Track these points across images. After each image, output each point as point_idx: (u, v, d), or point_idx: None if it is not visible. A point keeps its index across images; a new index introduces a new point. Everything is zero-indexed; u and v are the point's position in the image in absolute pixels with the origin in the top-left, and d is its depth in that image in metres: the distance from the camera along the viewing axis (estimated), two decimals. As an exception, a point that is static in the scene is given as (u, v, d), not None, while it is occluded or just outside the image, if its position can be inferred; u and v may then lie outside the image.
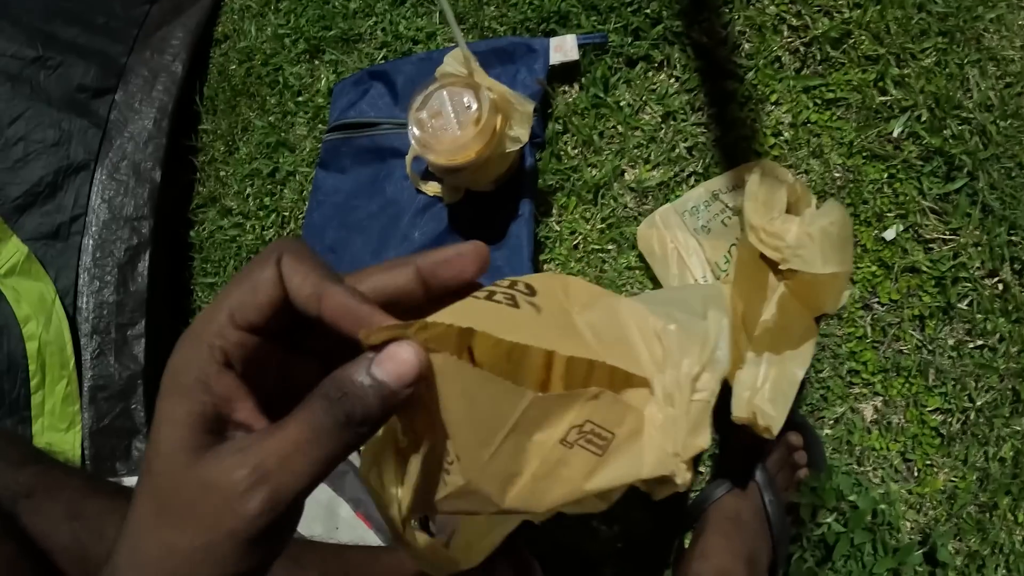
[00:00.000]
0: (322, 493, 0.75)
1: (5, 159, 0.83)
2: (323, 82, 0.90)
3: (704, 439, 0.39)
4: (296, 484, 0.22)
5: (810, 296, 0.60)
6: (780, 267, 0.52)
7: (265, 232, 0.89)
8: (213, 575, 0.23)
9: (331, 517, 0.75)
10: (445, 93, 0.68)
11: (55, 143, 0.86)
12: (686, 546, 0.69)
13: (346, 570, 0.59)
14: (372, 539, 0.75)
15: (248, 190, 0.92)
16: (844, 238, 0.55)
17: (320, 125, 0.89)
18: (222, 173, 0.94)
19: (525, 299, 0.32)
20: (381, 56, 0.88)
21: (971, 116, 0.74)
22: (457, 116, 0.67)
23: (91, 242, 0.84)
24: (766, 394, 0.54)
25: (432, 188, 0.77)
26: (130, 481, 0.81)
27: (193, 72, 0.95)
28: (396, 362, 0.22)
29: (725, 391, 0.58)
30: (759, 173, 0.64)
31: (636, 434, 0.33)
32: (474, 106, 0.66)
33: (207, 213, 0.94)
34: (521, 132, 0.69)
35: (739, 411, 0.55)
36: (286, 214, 0.89)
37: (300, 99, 0.91)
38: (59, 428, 0.78)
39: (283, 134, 0.90)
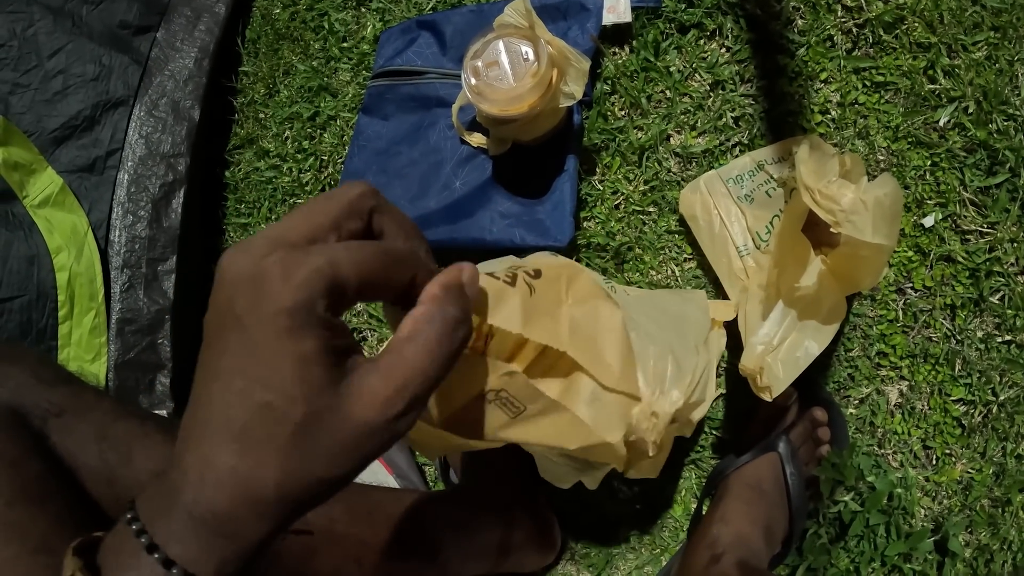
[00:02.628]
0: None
1: (44, 91, 0.82)
2: (369, 29, 0.88)
3: (658, 460, 0.47)
4: (429, 386, 0.25)
5: (849, 271, 0.59)
6: (831, 229, 0.52)
7: (302, 175, 0.87)
8: (349, 479, 0.26)
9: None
10: (502, 44, 0.67)
11: (94, 78, 0.84)
12: (704, 512, 0.69)
13: (369, 508, 0.59)
14: (392, 483, 0.76)
15: (287, 133, 0.90)
16: (895, 212, 0.54)
17: (364, 72, 0.87)
18: (261, 115, 0.93)
19: (526, 279, 0.41)
20: (430, 6, 0.86)
21: (1017, 113, 0.73)
22: (513, 67, 0.66)
23: (126, 177, 0.83)
24: (780, 354, 0.54)
25: (477, 139, 0.76)
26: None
27: (236, 13, 0.94)
28: (465, 270, 0.28)
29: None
30: (808, 144, 0.64)
31: (551, 413, 0.41)
32: (532, 58, 0.65)
33: (244, 154, 0.93)
34: (575, 88, 0.68)
35: (748, 362, 0.54)
36: (325, 158, 0.87)
37: (345, 45, 0.89)
38: (85, 359, 0.78)
39: (326, 79, 0.89)
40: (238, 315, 0.24)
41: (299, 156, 0.88)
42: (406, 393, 0.24)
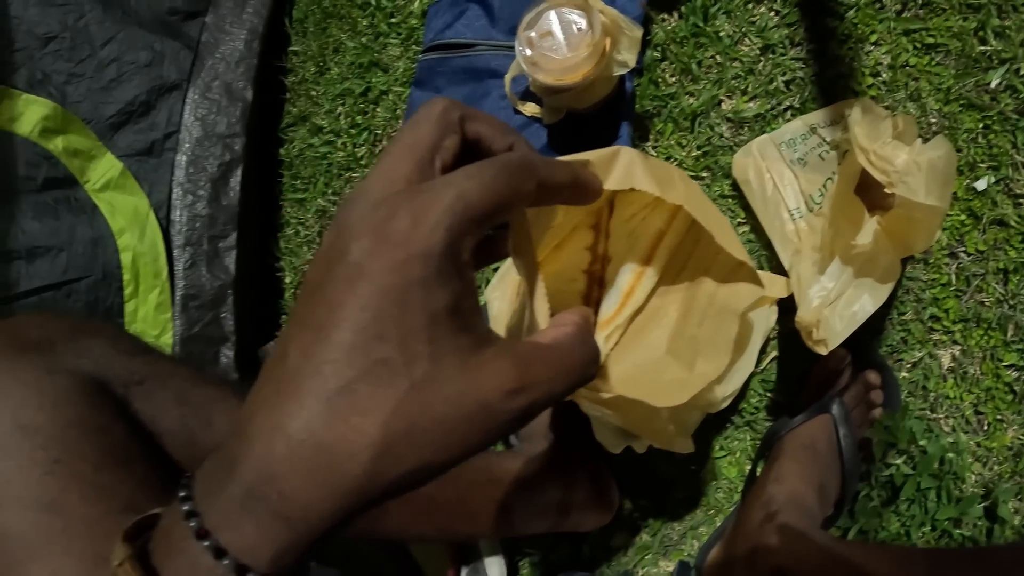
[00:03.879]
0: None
1: (99, 79, 0.84)
2: (416, 4, 0.89)
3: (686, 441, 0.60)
4: (547, 402, 0.22)
5: (902, 233, 0.60)
6: (885, 190, 0.52)
7: (357, 149, 0.89)
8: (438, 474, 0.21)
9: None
10: (554, 14, 0.67)
11: (148, 64, 0.86)
12: (758, 474, 0.70)
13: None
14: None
15: (340, 109, 0.92)
16: (948, 174, 0.54)
17: (414, 46, 0.88)
18: (313, 93, 0.94)
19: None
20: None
21: (1072, 74, 0.72)
22: (566, 37, 0.67)
23: (184, 158, 0.86)
24: (837, 308, 0.55)
25: (530, 109, 0.77)
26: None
27: (284, -7, 0.96)
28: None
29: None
30: (860, 107, 0.64)
31: None
32: (585, 27, 0.66)
33: (297, 132, 0.95)
34: (628, 57, 0.68)
35: (805, 314, 0.55)
36: (378, 132, 0.89)
37: (393, 20, 0.90)
38: (151, 335, 0.81)
39: (376, 55, 0.90)
40: (358, 263, 0.20)
41: (352, 131, 0.90)
42: (532, 394, 0.22)
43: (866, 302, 0.56)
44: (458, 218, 0.20)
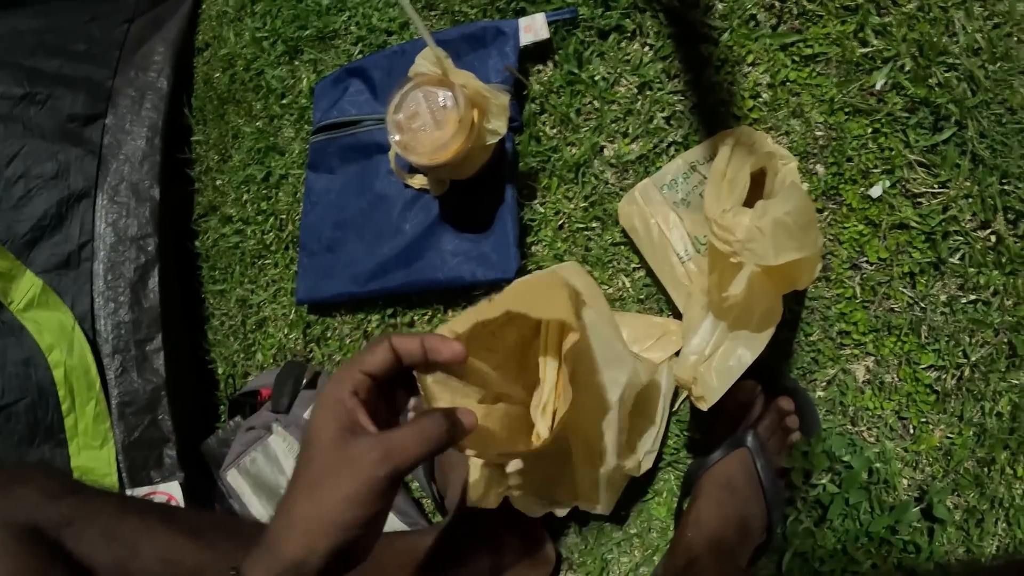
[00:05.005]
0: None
1: (8, 198, 0.85)
2: (304, 82, 0.90)
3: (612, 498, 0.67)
4: (408, 462, 0.38)
5: (782, 272, 0.60)
6: (731, 259, 0.52)
7: (265, 236, 0.90)
8: (355, 515, 0.37)
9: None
10: (420, 93, 0.68)
11: (54, 175, 0.87)
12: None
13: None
14: (394, 519, 0.80)
15: (245, 196, 0.92)
16: (804, 222, 0.52)
17: (306, 126, 0.88)
18: (218, 182, 0.95)
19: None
20: (358, 51, 0.87)
21: (958, 62, 0.71)
22: (434, 115, 0.67)
23: (101, 266, 0.87)
24: (713, 364, 0.55)
25: (418, 181, 0.77)
26: (166, 487, 0.87)
27: (179, 85, 0.96)
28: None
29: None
30: (730, 145, 0.63)
31: None
32: (450, 104, 0.66)
33: (209, 222, 0.95)
34: (498, 124, 0.68)
35: (682, 372, 0.56)
36: (283, 217, 0.89)
37: (284, 102, 0.91)
38: (93, 446, 0.83)
39: (272, 138, 0.91)
40: (309, 421, 0.40)
41: (259, 218, 0.91)
42: (394, 459, 0.38)
43: (743, 355, 0.56)
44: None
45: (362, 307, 0.82)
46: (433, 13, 0.84)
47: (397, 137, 0.67)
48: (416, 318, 0.80)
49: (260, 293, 0.89)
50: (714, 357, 0.55)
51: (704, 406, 0.56)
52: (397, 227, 0.77)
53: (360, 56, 0.86)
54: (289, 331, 0.87)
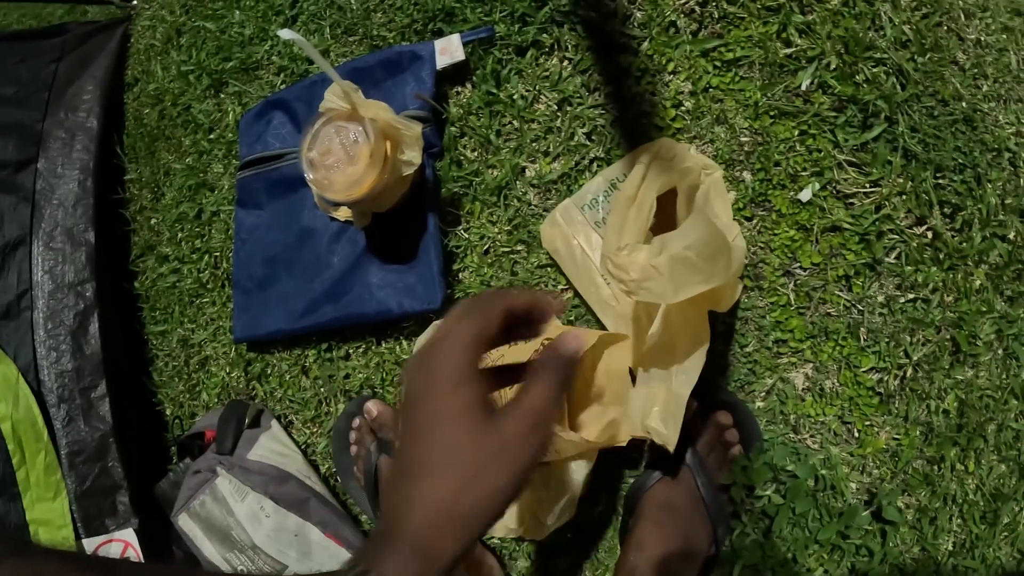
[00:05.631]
0: (290, 520, 0.80)
1: None
2: (231, 116, 0.89)
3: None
4: (554, 420, 0.35)
5: (700, 299, 0.58)
6: (629, 296, 0.51)
7: (202, 274, 0.89)
8: (511, 499, 0.34)
9: (303, 543, 0.80)
10: (332, 128, 0.67)
11: None
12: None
13: None
14: (344, 555, 0.80)
15: (179, 234, 0.91)
16: (709, 254, 0.50)
17: (235, 160, 0.87)
18: (153, 221, 0.94)
19: None
20: (280, 82, 0.86)
21: (885, 56, 0.69)
22: (347, 150, 0.66)
23: (41, 315, 0.87)
24: (656, 415, 0.54)
25: (343, 213, 0.76)
26: (121, 534, 0.87)
27: (109, 123, 0.95)
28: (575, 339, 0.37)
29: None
30: (645, 163, 0.62)
31: None
32: (361, 139, 0.65)
33: (146, 262, 0.94)
34: (413, 155, 0.67)
35: (635, 430, 0.55)
36: (217, 254, 0.88)
37: (212, 136, 0.89)
38: (46, 498, 0.83)
39: (202, 175, 0.90)
40: (417, 394, 0.34)
41: (194, 256, 0.90)
42: (540, 431, 0.34)
43: (681, 393, 0.55)
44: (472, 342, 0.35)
45: (298, 343, 0.82)
46: (352, 39, 0.83)
47: (311, 176, 0.66)
48: (351, 351, 0.79)
49: (200, 332, 0.88)
50: (654, 409, 0.54)
51: (671, 447, 0.55)
52: (326, 261, 0.76)
53: (283, 87, 0.85)
54: (231, 369, 0.86)
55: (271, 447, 0.80)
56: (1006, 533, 0.70)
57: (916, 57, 0.70)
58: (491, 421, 0.34)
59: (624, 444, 0.63)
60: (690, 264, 0.48)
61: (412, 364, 0.35)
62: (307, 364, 0.81)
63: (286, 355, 0.83)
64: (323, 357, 0.80)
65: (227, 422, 0.79)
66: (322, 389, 0.80)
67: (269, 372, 0.84)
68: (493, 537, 0.75)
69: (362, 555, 0.32)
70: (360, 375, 0.77)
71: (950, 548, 0.70)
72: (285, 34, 0.55)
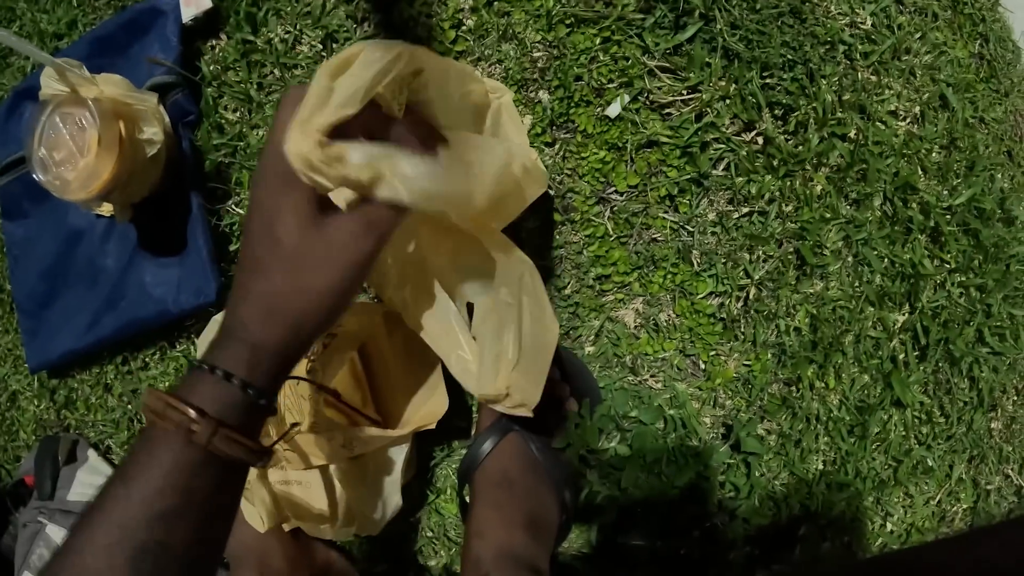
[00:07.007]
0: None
1: None
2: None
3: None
4: (391, 227, 0.35)
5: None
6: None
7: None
8: (345, 296, 0.35)
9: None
10: (57, 118, 0.58)
11: None
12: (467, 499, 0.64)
13: None
14: None
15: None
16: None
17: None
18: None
19: None
20: (31, 66, 0.75)
21: (695, -58, 0.61)
22: (75, 141, 0.56)
23: None
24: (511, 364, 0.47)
25: (106, 207, 0.67)
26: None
27: None
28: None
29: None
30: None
31: None
32: (88, 124, 0.56)
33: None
34: (153, 132, 0.58)
35: (488, 390, 0.47)
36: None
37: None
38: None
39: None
40: (253, 196, 0.35)
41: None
42: (375, 229, 0.34)
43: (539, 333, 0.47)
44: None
45: (94, 361, 0.73)
46: (98, 2, 0.72)
47: (42, 177, 0.57)
48: (148, 359, 0.70)
49: (1, 366, 0.79)
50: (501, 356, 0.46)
51: (528, 412, 0.48)
52: (100, 264, 0.67)
53: (33, 72, 0.74)
54: (39, 401, 0.78)
55: (90, 481, 0.73)
56: (877, 443, 0.65)
57: (726, -61, 0.61)
58: (323, 218, 0.33)
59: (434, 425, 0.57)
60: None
61: (257, 167, 0.35)
62: (108, 382, 0.73)
63: (86, 376, 0.74)
64: (121, 372, 0.71)
65: (42, 464, 0.72)
66: (129, 406, 0.72)
67: (75, 398, 0.75)
68: (336, 541, 0.68)
69: (208, 351, 0.35)
70: (162, 383, 0.69)
71: (820, 468, 0.65)
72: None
